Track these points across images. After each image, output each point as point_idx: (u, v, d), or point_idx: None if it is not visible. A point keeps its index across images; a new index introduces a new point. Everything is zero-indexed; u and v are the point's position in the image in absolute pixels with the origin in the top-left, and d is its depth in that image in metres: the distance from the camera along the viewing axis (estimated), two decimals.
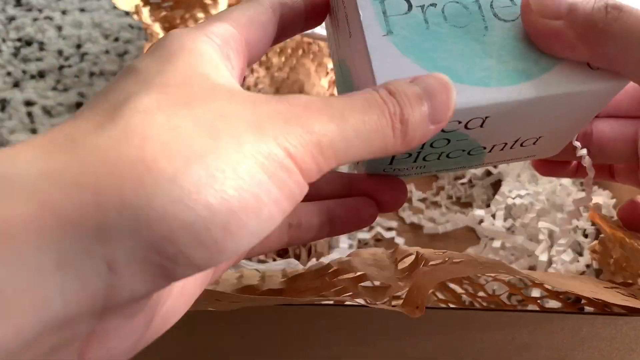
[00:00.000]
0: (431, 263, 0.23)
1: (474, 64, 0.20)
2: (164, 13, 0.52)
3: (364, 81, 0.20)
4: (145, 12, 0.50)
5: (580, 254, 0.44)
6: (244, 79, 0.49)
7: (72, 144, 0.14)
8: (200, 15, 0.52)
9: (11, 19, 0.70)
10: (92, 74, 0.64)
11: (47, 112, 0.60)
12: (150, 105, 0.15)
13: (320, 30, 0.52)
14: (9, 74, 0.64)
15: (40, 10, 0.71)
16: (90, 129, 0.14)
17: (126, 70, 0.17)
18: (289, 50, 0.51)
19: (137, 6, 0.48)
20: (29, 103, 0.61)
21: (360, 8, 0.20)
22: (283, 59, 0.51)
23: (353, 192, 0.25)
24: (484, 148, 0.23)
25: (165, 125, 0.14)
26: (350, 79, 0.22)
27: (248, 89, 0.48)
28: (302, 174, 0.16)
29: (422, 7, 0.20)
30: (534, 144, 0.23)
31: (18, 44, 0.67)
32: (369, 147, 0.17)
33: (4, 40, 0.68)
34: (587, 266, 0.42)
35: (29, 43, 0.67)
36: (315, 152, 0.16)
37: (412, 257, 0.26)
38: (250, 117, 0.16)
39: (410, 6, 0.20)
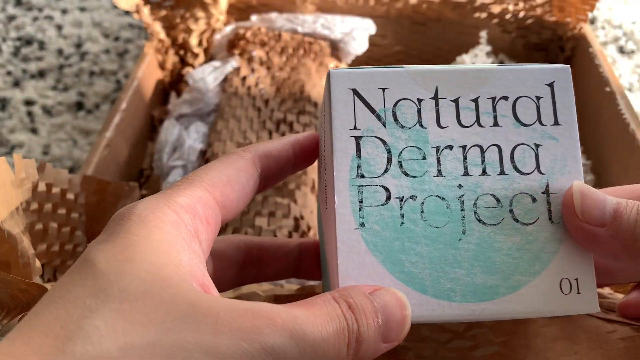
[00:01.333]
0: None
1: (442, 273, 0.19)
2: (164, 12, 0.52)
3: (331, 267, 0.20)
4: (146, 11, 0.49)
5: None
6: (244, 79, 0.49)
7: None
8: (201, 14, 0.52)
9: (11, 18, 0.70)
10: (92, 73, 0.63)
11: (47, 111, 0.60)
12: (104, 330, 0.15)
13: (322, 29, 0.52)
14: (9, 73, 0.64)
15: (40, 10, 0.71)
16: (52, 352, 0.14)
17: (83, 266, 0.16)
18: (290, 50, 0.51)
19: (137, 5, 0.48)
20: (29, 102, 0.61)
21: (336, 193, 0.20)
22: (284, 58, 0.50)
23: None
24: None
25: (117, 355, 0.14)
26: (324, 249, 0.22)
27: (249, 89, 0.48)
28: None
29: (401, 199, 0.20)
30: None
31: (18, 43, 0.67)
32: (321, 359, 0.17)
33: (4, 40, 0.68)
34: None
35: (29, 42, 0.67)
36: None
37: None
38: (209, 341, 0.15)
39: (388, 197, 0.20)
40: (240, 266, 0.25)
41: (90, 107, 0.60)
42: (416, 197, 0.20)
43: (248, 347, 0.16)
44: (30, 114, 0.59)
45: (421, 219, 0.20)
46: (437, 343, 0.25)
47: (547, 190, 0.20)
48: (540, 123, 0.21)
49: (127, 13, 0.69)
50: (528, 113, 0.21)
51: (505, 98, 0.21)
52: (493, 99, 0.21)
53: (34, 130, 0.58)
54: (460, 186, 0.20)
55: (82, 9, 0.71)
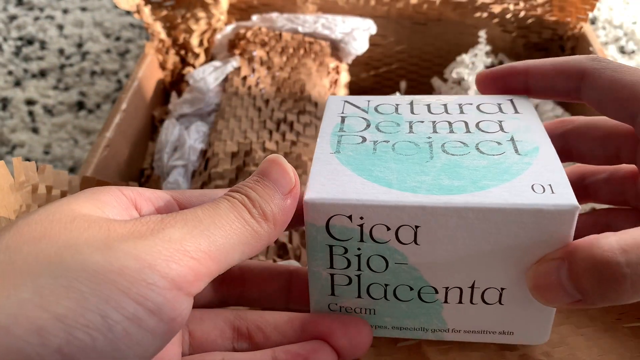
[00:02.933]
0: None
1: (408, 177, 0.20)
2: (165, 12, 0.52)
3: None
4: (147, 11, 0.49)
5: None
6: (245, 78, 0.49)
7: None
8: (202, 14, 0.52)
9: (12, 17, 0.70)
10: (93, 73, 0.64)
11: (48, 111, 0.60)
12: None
13: (322, 29, 0.52)
14: (10, 72, 0.64)
15: (41, 9, 0.71)
16: None
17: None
18: (291, 50, 0.51)
19: (138, 5, 0.48)
20: (30, 102, 0.61)
21: (318, 139, 0.23)
22: (285, 58, 0.50)
23: (305, 336, 0.22)
24: (435, 291, 0.21)
25: (2, 263, 0.15)
26: None
27: (249, 88, 0.48)
28: (173, 284, 0.16)
29: (375, 142, 0.22)
30: (500, 302, 0.21)
31: (19, 42, 0.67)
32: (239, 237, 0.18)
33: (5, 39, 0.68)
34: None
35: (30, 42, 0.67)
36: (182, 257, 0.16)
37: None
38: (101, 241, 0.16)
39: (364, 140, 0.22)
40: (219, 281, 0.23)
41: (91, 106, 0.60)
42: (389, 141, 0.22)
43: (144, 240, 0.16)
44: (31, 113, 0.60)
45: (392, 151, 0.22)
46: None
47: (512, 139, 0.22)
48: (501, 111, 0.24)
49: (128, 13, 0.69)
50: (490, 109, 0.24)
51: (470, 103, 0.25)
52: (460, 104, 0.25)
53: (35, 130, 0.58)
54: (429, 138, 0.22)
55: (83, 9, 0.71)
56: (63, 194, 0.28)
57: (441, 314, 0.22)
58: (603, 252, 0.17)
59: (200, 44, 0.54)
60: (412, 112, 0.24)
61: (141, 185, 0.48)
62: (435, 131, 0.23)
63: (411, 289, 0.21)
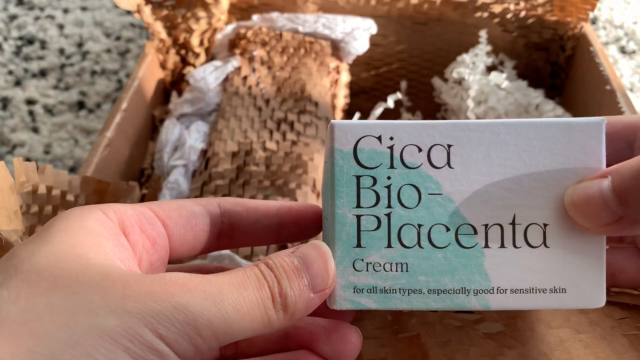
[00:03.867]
0: None
1: None
2: (165, 12, 0.52)
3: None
4: (147, 10, 0.49)
5: None
6: (245, 78, 0.49)
7: None
8: (202, 14, 0.52)
9: (13, 17, 0.70)
10: (93, 73, 0.64)
11: (49, 110, 0.60)
12: (7, 298, 0.15)
13: (323, 29, 0.52)
14: (10, 72, 0.64)
15: (42, 9, 0.71)
16: None
17: (6, 255, 0.17)
18: (291, 50, 0.51)
19: (138, 5, 0.48)
20: (30, 101, 0.61)
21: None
22: (285, 58, 0.50)
23: (291, 345, 0.21)
24: (475, 231, 0.20)
25: (17, 319, 0.14)
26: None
27: (250, 88, 0.48)
28: (178, 355, 0.16)
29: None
30: (545, 243, 0.20)
31: (20, 42, 0.67)
32: (251, 323, 0.17)
33: (5, 39, 0.68)
34: None
35: (30, 42, 0.67)
36: (191, 332, 0.16)
37: None
38: (116, 302, 0.15)
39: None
40: (218, 231, 0.23)
41: (91, 106, 0.60)
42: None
43: (158, 306, 0.15)
44: (31, 113, 0.60)
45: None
46: (442, 311, 0.25)
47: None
48: None
49: (128, 13, 0.69)
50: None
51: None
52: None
53: (35, 130, 0.58)
54: None
55: (84, 9, 0.71)
56: (63, 194, 0.28)
57: (483, 265, 0.20)
58: None
59: (201, 43, 0.54)
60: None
61: (141, 185, 0.48)
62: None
63: (448, 229, 0.20)
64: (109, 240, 0.18)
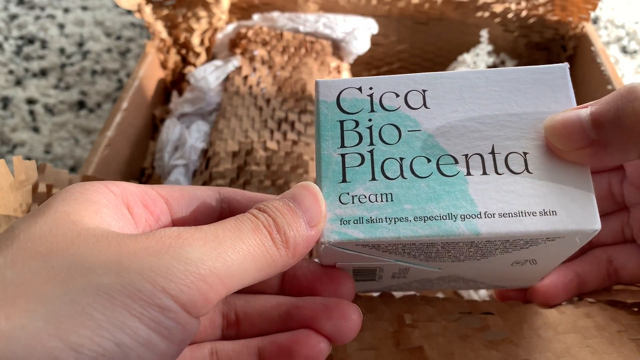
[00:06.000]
0: None
1: None
2: (166, 11, 0.52)
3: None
4: (148, 10, 0.49)
5: None
6: (246, 78, 0.49)
7: None
8: (203, 13, 0.52)
9: (13, 17, 0.70)
10: (94, 72, 0.63)
11: (49, 110, 0.60)
12: (3, 264, 0.15)
13: (324, 29, 0.52)
14: (11, 72, 0.64)
15: (42, 9, 0.71)
16: None
17: (5, 230, 0.17)
18: (292, 49, 0.51)
19: (139, 4, 0.48)
20: (31, 101, 0.61)
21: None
22: (286, 57, 0.50)
23: (291, 323, 0.21)
24: (455, 161, 0.20)
25: (14, 281, 0.14)
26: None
27: (250, 88, 0.48)
28: (184, 308, 0.15)
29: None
30: (527, 169, 0.20)
31: (20, 42, 0.67)
32: (255, 262, 0.17)
33: (6, 39, 0.68)
34: None
35: (31, 41, 0.67)
36: (196, 281, 0.15)
37: None
38: (112, 259, 0.15)
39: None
40: (218, 215, 0.23)
41: (92, 106, 0.60)
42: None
43: (156, 260, 0.15)
44: (32, 112, 0.60)
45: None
46: (446, 321, 0.24)
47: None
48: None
49: (129, 12, 0.69)
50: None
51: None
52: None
53: (35, 129, 0.58)
54: None
55: (84, 8, 0.71)
56: None
57: (467, 191, 0.20)
58: (631, 83, 0.18)
59: (201, 43, 0.54)
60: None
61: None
62: None
63: (429, 160, 0.20)
64: (108, 208, 0.18)
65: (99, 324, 0.14)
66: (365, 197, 0.20)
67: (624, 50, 0.64)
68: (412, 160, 0.20)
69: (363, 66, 0.57)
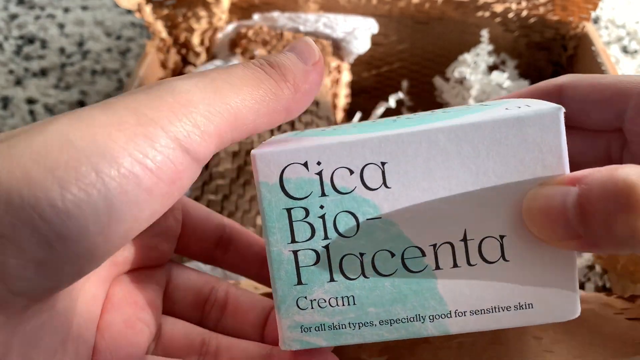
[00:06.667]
0: None
1: (369, 127, 0.19)
2: (166, 11, 0.52)
3: None
4: (148, 10, 0.49)
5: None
6: None
7: None
8: (203, 13, 0.52)
9: (13, 16, 0.70)
10: (94, 72, 0.63)
11: (49, 110, 0.60)
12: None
13: (324, 28, 0.52)
14: (11, 71, 0.64)
15: (42, 8, 0.71)
16: None
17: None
18: None
19: (139, 4, 0.48)
20: (31, 101, 0.61)
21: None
22: None
23: None
24: (422, 253, 0.18)
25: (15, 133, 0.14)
26: None
27: None
28: (177, 143, 0.15)
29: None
30: (503, 257, 0.18)
31: (20, 41, 0.67)
32: (254, 96, 0.16)
33: (6, 38, 0.68)
34: (590, 267, 0.42)
35: (31, 41, 0.67)
36: (189, 113, 0.15)
37: None
38: (100, 101, 0.15)
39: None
40: (202, 300, 0.22)
41: None
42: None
43: (143, 95, 0.15)
44: (32, 112, 0.59)
45: None
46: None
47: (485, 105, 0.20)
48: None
49: (129, 12, 0.69)
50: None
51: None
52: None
53: None
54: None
55: (84, 8, 0.71)
56: None
57: (436, 288, 0.18)
58: (628, 176, 0.14)
59: (202, 43, 0.54)
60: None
61: None
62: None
63: (392, 254, 0.18)
64: None
65: (78, 150, 0.14)
66: (325, 302, 0.18)
67: (625, 50, 0.64)
68: (374, 255, 0.18)
69: (363, 66, 0.57)
